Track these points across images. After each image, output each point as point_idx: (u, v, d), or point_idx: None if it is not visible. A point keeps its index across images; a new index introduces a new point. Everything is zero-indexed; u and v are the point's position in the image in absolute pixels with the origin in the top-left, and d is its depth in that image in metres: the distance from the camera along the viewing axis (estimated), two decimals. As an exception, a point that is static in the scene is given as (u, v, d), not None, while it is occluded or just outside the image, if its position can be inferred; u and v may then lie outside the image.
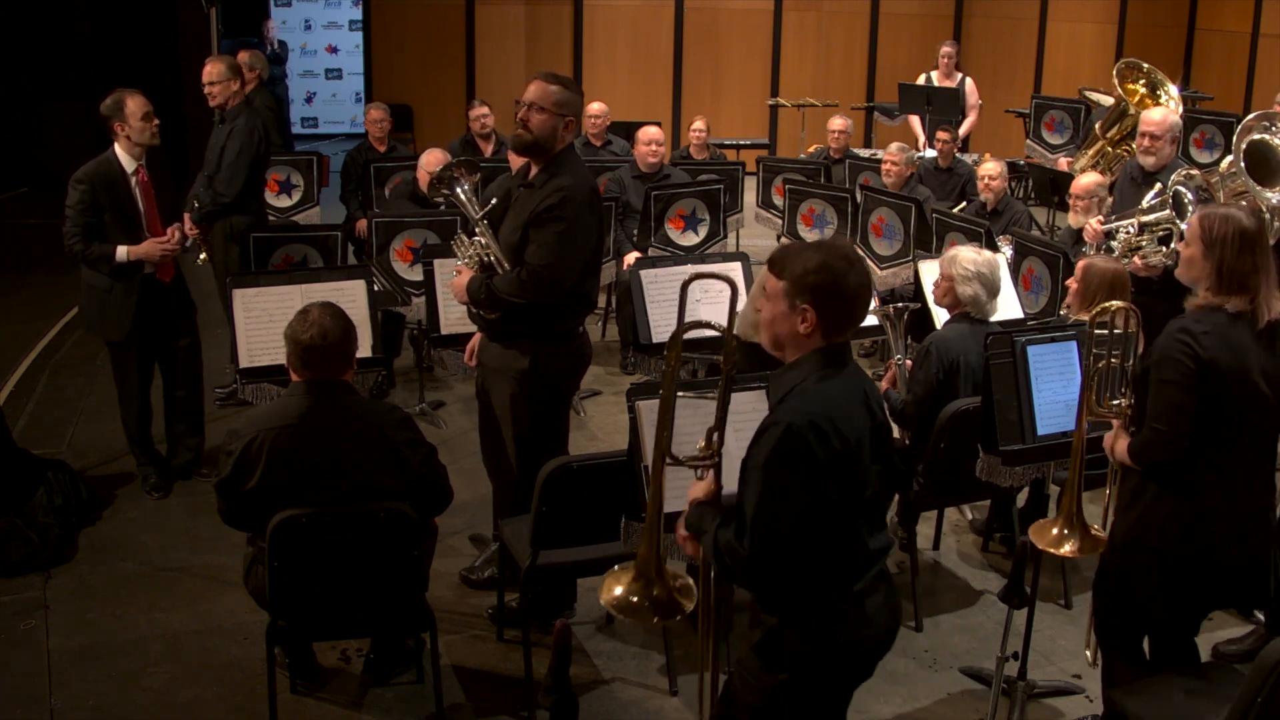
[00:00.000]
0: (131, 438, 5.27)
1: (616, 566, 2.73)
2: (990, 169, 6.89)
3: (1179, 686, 3.18)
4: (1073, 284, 4.65)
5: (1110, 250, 5.30)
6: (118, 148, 5.05)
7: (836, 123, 8.56)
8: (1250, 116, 5.14)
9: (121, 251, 4.93)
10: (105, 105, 5.05)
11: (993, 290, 4.43)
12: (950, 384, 4.32)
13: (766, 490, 2.46)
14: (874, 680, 4.02)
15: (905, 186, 7.28)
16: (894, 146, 7.46)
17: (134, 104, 5.01)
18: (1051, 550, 3.47)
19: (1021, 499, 4.72)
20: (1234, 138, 4.92)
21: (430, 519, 3.70)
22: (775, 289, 2.59)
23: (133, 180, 5.04)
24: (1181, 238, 3.91)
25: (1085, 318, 4.41)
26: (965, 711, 3.90)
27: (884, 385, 4.68)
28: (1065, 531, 3.44)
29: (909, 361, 4.54)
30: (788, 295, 2.56)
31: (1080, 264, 4.70)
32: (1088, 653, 3.77)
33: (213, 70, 6.20)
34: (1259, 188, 4.71)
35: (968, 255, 4.47)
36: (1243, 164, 4.73)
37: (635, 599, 2.56)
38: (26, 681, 3.90)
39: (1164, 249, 5.01)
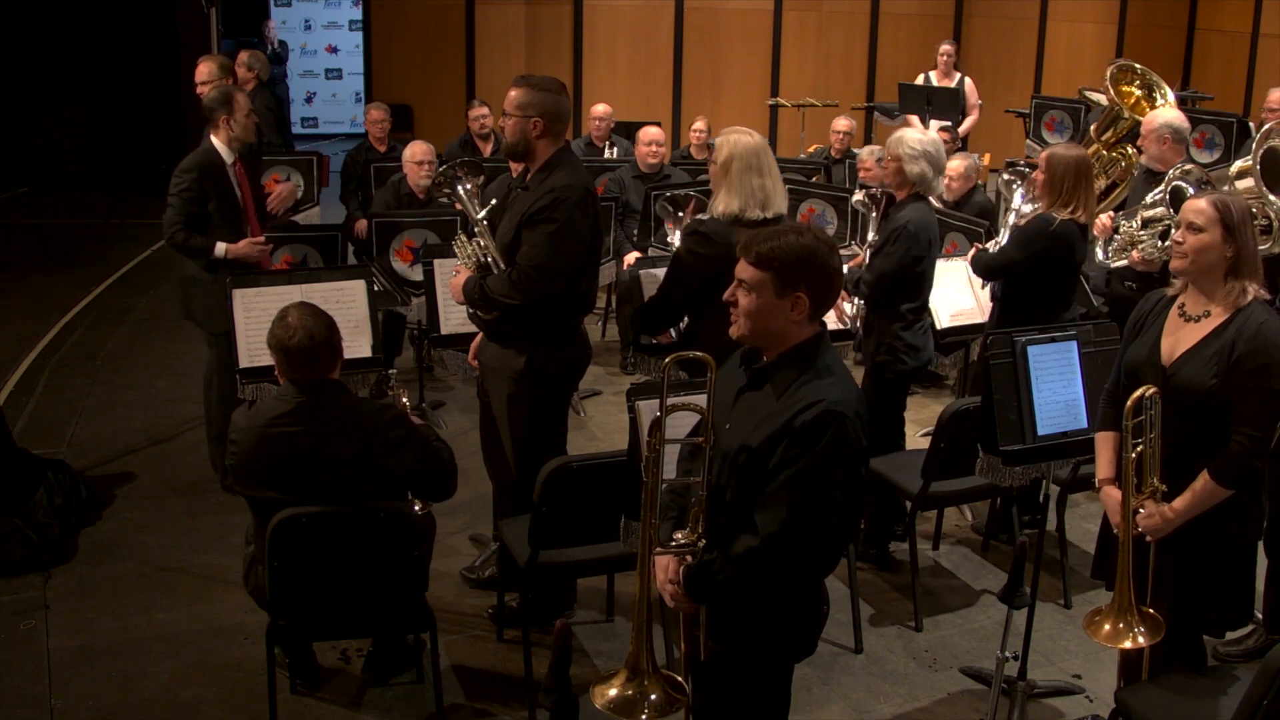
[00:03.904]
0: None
1: (603, 671, 2.72)
2: (954, 167, 6.73)
3: (1186, 687, 3.18)
4: (1038, 176, 4.68)
5: (1112, 242, 5.31)
6: (216, 139, 5.03)
7: (841, 123, 8.55)
8: (1275, 121, 5.12)
9: (220, 248, 4.94)
10: (212, 97, 5.06)
11: (939, 167, 4.65)
12: (921, 263, 4.58)
13: (815, 478, 2.46)
14: (874, 680, 4.06)
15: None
16: (865, 151, 7.55)
17: (242, 98, 5.05)
18: (1109, 644, 3.24)
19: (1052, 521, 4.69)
20: (1254, 140, 4.90)
21: (437, 500, 3.70)
22: (760, 280, 2.55)
23: (232, 171, 5.06)
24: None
25: (1064, 215, 4.51)
26: (965, 711, 3.90)
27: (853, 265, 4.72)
28: (1123, 625, 3.19)
29: (874, 237, 4.66)
30: (776, 284, 2.54)
31: (1043, 155, 4.74)
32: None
33: (204, 70, 6.25)
34: (1270, 195, 4.69)
35: (912, 135, 4.66)
36: (1259, 167, 4.71)
37: (632, 695, 2.56)
38: (26, 681, 3.90)
39: (1160, 244, 5.02)
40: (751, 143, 4.17)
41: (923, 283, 4.69)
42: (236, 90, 5.09)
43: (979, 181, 7.20)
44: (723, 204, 4.12)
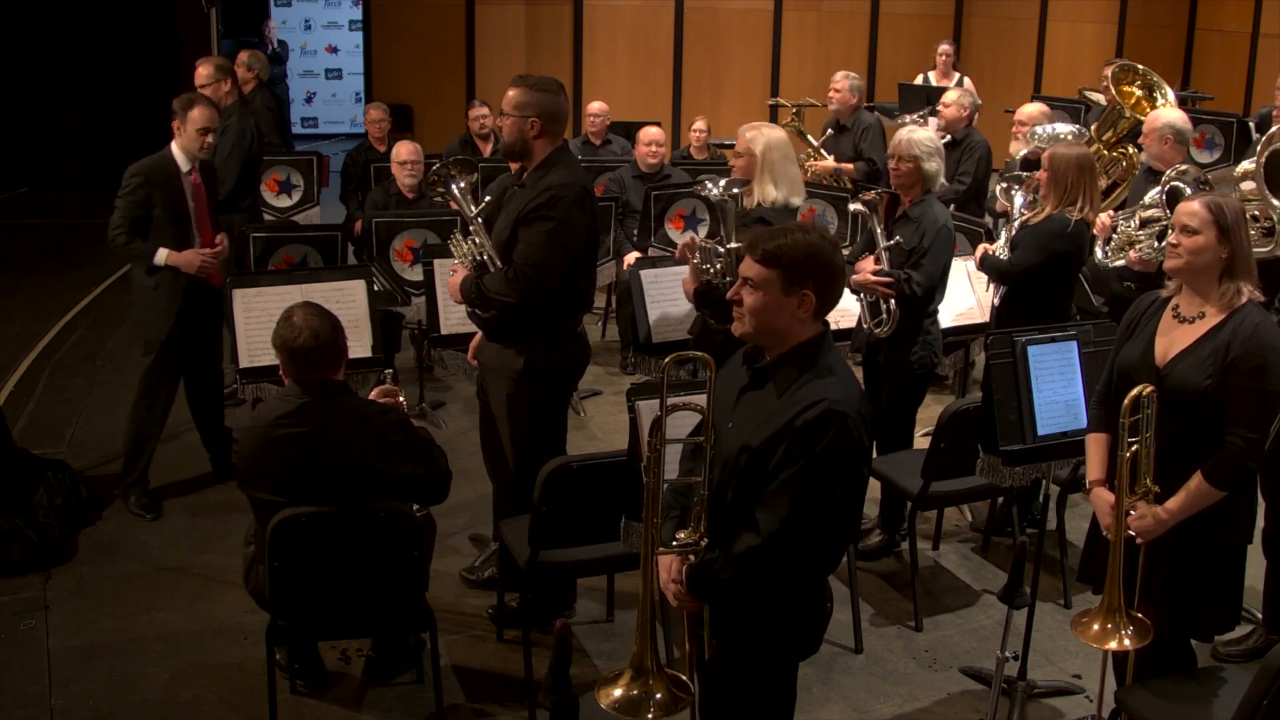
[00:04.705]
0: (133, 452, 5.11)
1: (603, 671, 2.72)
2: (951, 99, 7.08)
3: (1184, 687, 3.18)
4: (1042, 175, 4.69)
5: (1108, 241, 5.31)
6: (174, 145, 4.99)
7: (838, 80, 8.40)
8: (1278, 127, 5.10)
9: (161, 255, 4.88)
10: (178, 100, 5.01)
11: (944, 161, 4.74)
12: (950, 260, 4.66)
13: (817, 477, 2.46)
14: (874, 680, 4.06)
15: (850, 117, 7.58)
16: (839, 75, 7.58)
17: (197, 114, 4.95)
18: (1096, 645, 3.23)
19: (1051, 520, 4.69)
20: (1260, 143, 4.89)
21: (430, 504, 3.70)
22: (766, 277, 2.55)
23: (185, 180, 4.99)
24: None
25: (1075, 214, 4.57)
26: (965, 711, 3.90)
27: (870, 264, 4.61)
28: (1111, 626, 3.17)
29: (898, 238, 4.59)
30: (783, 282, 2.54)
31: (1045, 155, 4.75)
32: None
33: (201, 73, 6.26)
34: (1271, 198, 4.68)
35: (923, 134, 4.65)
36: (1263, 171, 4.70)
37: (637, 694, 2.56)
38: (26, 681, 3.90)
39: (1157, 244, 5.02)
40: (781, 134, 4.38)
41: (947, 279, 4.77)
42: (200, 104, 4.98)
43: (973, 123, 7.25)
44: (772, 192, 4.28)
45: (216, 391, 5.43)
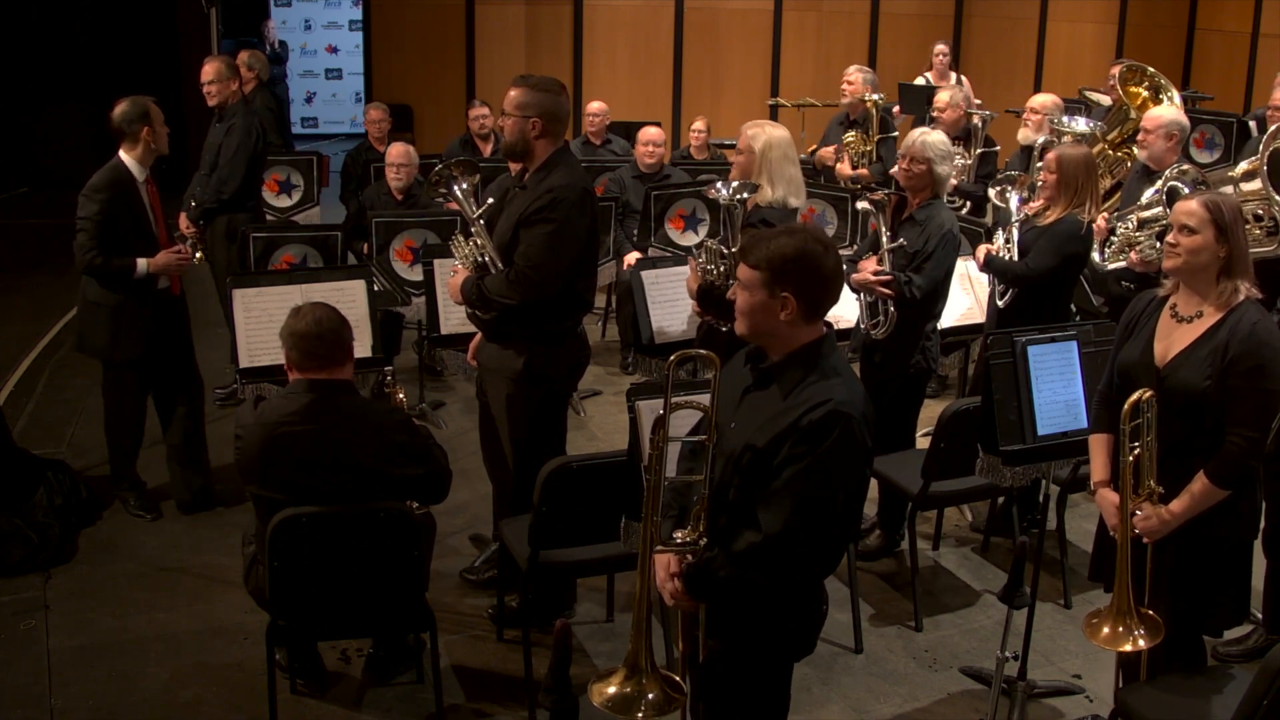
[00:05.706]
0: (117, 460, 5.08)
1: (601, 670, 2.72)
2: (942, 99, 7.01)
3: (1185, 687, 3.18)
4: (1048, 176, 4.68)
5: (1109, 244, 5.31)
6: (127, 156, 4.77)
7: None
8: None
9: (141, 264, 4.73)
10: (125, 112, 4.74)
11: (954, 167, 4.73)
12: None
13: (819, 477, 2.47)
14: (874, 680, 4.06)
15: (861, 112, 7.57)
16: (853, 69, 7.59)
17: (157, 110, 4.82)
18: (1109, 647, 3.23)
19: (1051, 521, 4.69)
20: (1263, 141, 4.88)
21: (430, 504, 3.71)
22: (752, 279, 2.58)
23: (143, 189, 4.83)
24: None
25: (1084, 216, 4.58)
26: (965, 711, 3.90)
27: (872, 265, 4.59)
28: (1122, 628, 3.16)
29: (902, 240, 4.56)
30: (766, 284, 2.55)
31: (1050, 156, 4.74)
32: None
33: (210, 70, 6.23)
34: (1277, 195, 4.67)
35: (936, 137, 4.62)
36: (1265, 168, 4.70)
37: (630, 693, 2.56)
38: (26, 681, 3.90)
39: (1158, 245, 5.02)
40: (784, 134, 4.41)
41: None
42: (152, 102, 4.83)
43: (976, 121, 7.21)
44: (769, 191, 4.33)
45: (191, 406, 5.18)
